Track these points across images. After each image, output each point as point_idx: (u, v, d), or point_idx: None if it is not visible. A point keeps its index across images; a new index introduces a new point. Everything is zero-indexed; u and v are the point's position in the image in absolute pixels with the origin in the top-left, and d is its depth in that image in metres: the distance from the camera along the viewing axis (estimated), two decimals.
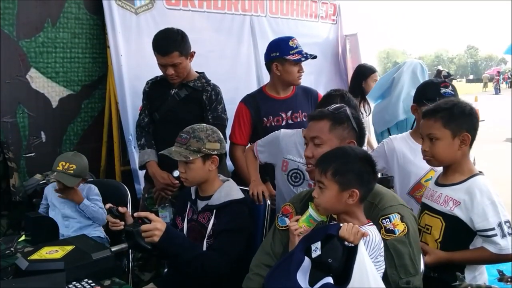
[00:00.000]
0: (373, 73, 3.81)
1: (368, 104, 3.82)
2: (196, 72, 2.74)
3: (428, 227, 1.87)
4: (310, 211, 1.57)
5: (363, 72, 3.84)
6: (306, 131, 1.92)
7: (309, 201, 1.68)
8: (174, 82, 2.64)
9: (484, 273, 1.89)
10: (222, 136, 2.11)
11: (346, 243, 1.38)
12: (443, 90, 2.30)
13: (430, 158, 1.86)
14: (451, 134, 1.78)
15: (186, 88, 2.66)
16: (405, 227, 1.58)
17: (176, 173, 2.53)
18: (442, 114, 1.80)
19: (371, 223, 1.56)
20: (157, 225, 1.75)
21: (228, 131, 2.75)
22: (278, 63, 2.70)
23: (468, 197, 1.76)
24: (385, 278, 1.49)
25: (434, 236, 1.85)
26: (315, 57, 2.77)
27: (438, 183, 1.91)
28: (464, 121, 1.79)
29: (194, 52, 2.66)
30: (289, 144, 2.35)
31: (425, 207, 1.93)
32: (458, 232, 1.80)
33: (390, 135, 3.17)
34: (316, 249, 1.38)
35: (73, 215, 2.48)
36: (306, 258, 1.41)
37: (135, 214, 1.78)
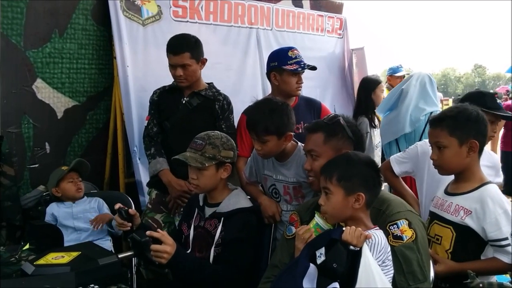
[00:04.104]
0: (380, 84, 3.82)
1: (377, 116, 3.80)
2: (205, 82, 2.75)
3: (438, 237, 1.84)
4: (317, 219, 1.57)
5: (370, 85, 3.84)
6: (304, 144, 1.91)
7: (315, 210, 1.65)
8: (181, 85, 2.62)
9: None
10: (235, 145, 2.11)
11: (350, 247, 1.37)
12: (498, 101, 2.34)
13: (438, 167, 1.84)
14: (458, 142, 1.77)
15: (197, 97, 2.66)
16: (413, 233, 1.56)
17: None
18: (448, 122, 1.79)
19: (377, 228, 1.55)
20: (167, 248, 1.73)
21: None
22: (276, 73, 2.65)
23: (479, 206, 1.73)
24: (393, 284, 1.48)
25: (444, 246, 1.81)
26: (313, 67, 2.71)
27: (448, 192, 1.88)
28: (470, 128, 1.77)
29: (206, 60, 2.67)
30: (265, 160, 2.27)
31: (434, 217, 1.89)
32: (469, 242, 1.77)
33: (399, 146, 3.14)
34: (321, 255, 1.37)
35: (84, 227, 2.56)
36: (312, 265, 1.39)
37: (148, 233, 1.74)
